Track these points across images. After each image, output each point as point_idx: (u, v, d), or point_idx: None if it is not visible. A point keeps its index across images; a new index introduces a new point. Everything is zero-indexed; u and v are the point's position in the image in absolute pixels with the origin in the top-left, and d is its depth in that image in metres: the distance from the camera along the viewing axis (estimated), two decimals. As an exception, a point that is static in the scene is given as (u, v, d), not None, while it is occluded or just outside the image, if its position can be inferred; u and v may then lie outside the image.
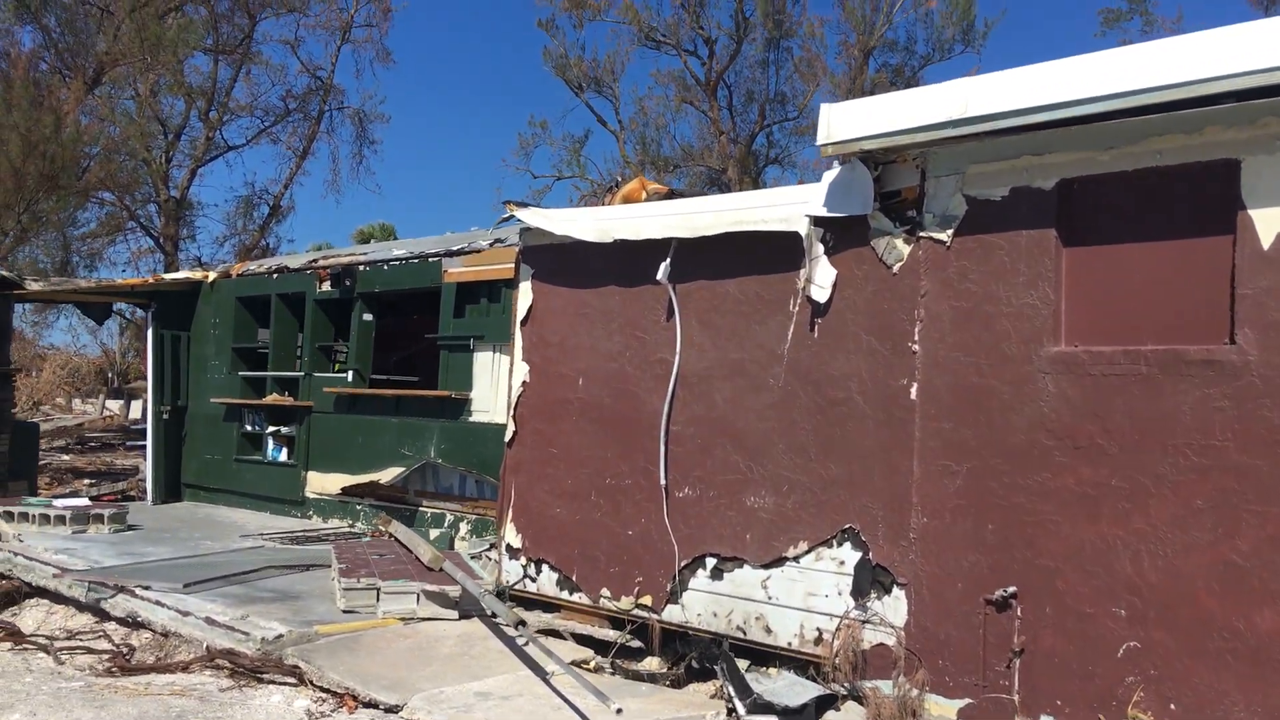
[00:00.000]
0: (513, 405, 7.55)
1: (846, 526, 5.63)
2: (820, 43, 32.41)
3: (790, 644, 5.83)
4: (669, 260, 6.48)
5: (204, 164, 33.53)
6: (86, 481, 16.57)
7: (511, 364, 7.63)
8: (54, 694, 5.98)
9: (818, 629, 5.71)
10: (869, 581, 5.51)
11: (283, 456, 12.74)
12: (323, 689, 5.95)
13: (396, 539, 8.76)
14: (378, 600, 7.15)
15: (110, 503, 11.72)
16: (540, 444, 7.32)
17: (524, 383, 7.47)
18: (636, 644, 6.59)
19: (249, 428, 13.19)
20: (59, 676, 6.59)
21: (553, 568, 7.15)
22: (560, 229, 6.96)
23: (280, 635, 6.49)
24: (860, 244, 5.66)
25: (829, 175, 5.75)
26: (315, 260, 12.56)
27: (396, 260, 11.29)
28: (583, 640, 6.71)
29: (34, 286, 12.99)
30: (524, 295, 7.55)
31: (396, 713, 5.51)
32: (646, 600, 6.55)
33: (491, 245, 10.17)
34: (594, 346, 7.04)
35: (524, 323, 7.52)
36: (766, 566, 5.97)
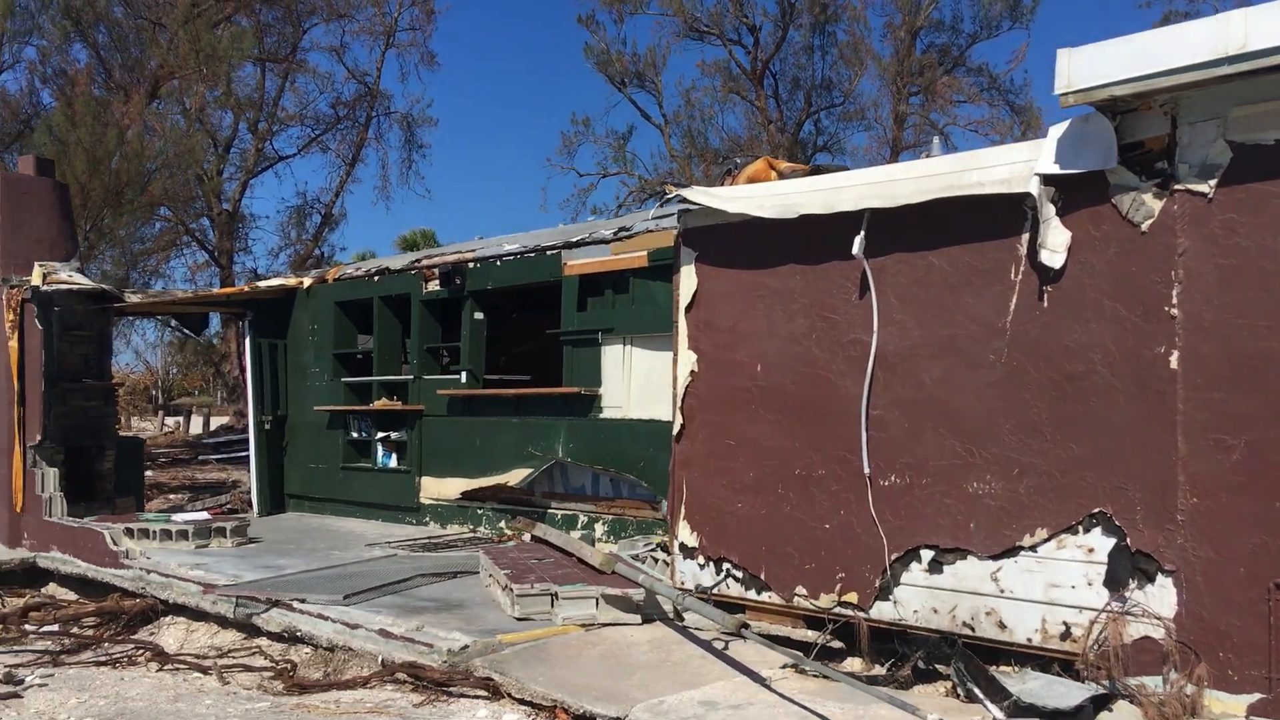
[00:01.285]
0: (679, 397, 7.15)
1: (1095, 511, 5.18)
2: (864, 25, 31.81)
3: (1030, 640, 5.39)
4: (863, 233, 6.05)
5: (255, 175, 33.64)
6: (174, 496, 16.40)
7: (675, 354, 7.24)
8: (244, 716, 5.66)
9: (1064, 623, 5.27)
10: (1127, 570, 5.05)
11: (393, 463, 12.45)
12: (524, 701, 5.59)
13: (547, 542, 8.39)
14: (552, 606, 6.78)
15: (229, 516, 11.46)
16: (714, 436, 6.92)
17: (692, 372, 7.07)
18: (837, 644, 6.18)
19: (355, 434, 12.91)
20: (236, 697, 6.28)
21: (735, 566, 6.74)
22: (735, 207, 6.55)
23: (466, 646, 6.14)
24: (1097, 202, 5.20)
25: (1056, 130, 5.30)
26: (419, 260, 12.24)
27: (510, 255, 10.94)
28: (776, 642, 6.29)
29: (133, 299, 12.78)
30: (687, 280, 7.15)
31: (617, 726, 5.12)
32: (851, 597, 6.13)
33: (616, 234, 9.78)
34: (773, 330, 6.62)
35: (689, 309, 7.12)
36: (996, 557, 5.53)
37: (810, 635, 6.23)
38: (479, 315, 11.46)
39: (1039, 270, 5.40)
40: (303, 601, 7.38)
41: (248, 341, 13.83)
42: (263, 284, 14.36)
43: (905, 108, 31.89)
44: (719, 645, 6.19)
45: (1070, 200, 5.27)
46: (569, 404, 10.12)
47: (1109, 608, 5.08)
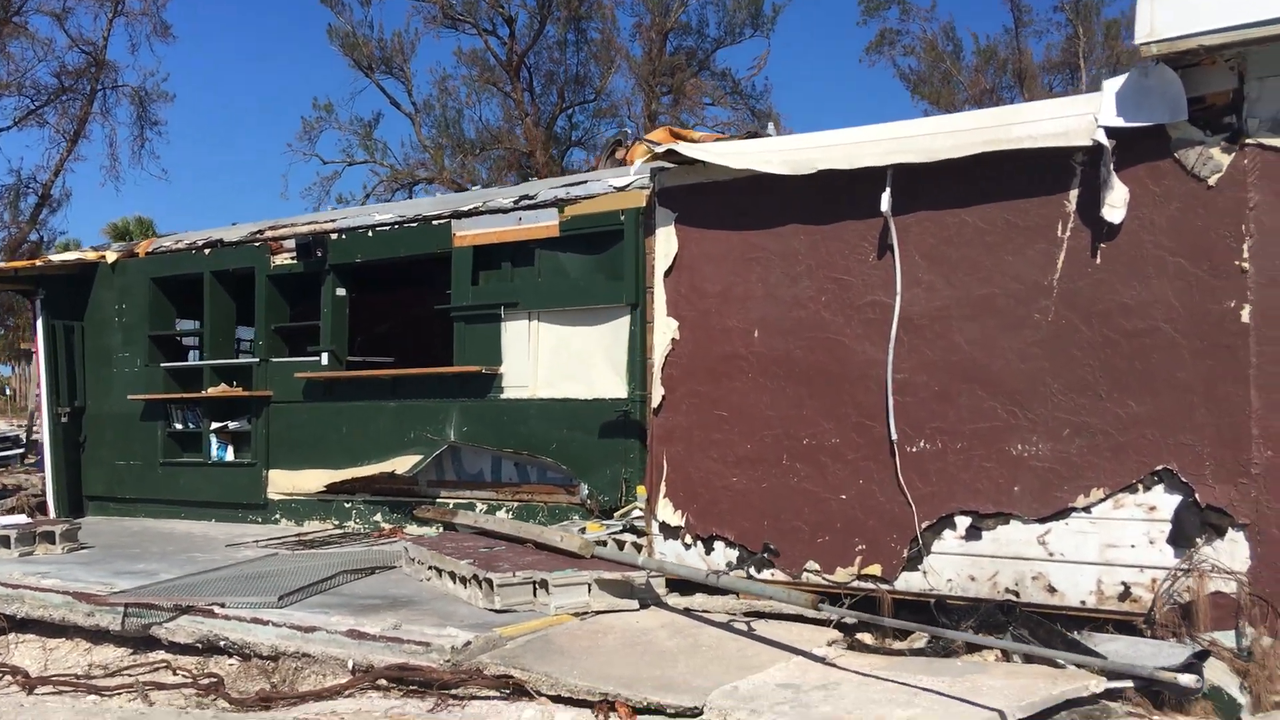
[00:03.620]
0: (658, 367, 6.68)
1: (1159, 468, 5.14)
2: (614, 25, 32.11)
3: (1084, 602, 5.30)
4: (889, 190, 5.81)
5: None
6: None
7: (649, 321, 6.76)
8: (235, 738, 4.76)
9: (1122, 583, 5.21)
10: (1196, 525, 5.04)
11: (229, 456, 11.24)
12: (564, 699, 4.98)
13: (487, 531, 7.69)
14: (535, 595, 6.15)
15: (56, 520, 9.96)
16: (702, 407, 6.50)
17: (673, 340, 6.62)
18: (849, 620, 5.90)
19: (179, 426, 11.56)
20: (187, 715, 5.31)
21: (730, 544, 6.35)
22: (740, 163, 6.16)
23: (468, 642, 5.44)
24: (1156, 157, 5.18)
25: (1112, 84, 5.24)
26: (262, 231, 11.07)
27: (386, 226, 10.05)
28: (788, 621, 5.96)
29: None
30: (665, 242, 6.69)
31: (695, 716, 4.62)
32: (873, 570, 5.87)
33: (517, 203, 9.15)
34: (772, 294, 6.28)
35: (668, 273, 6.67)
36: (1044, 520, 5.41)
37: (825, 613, 5.90)
38: (342, 291, 10.49)
39: (1092, 227, 5.32)
40: (223, 606, 6.38)
41: (39, 324, 12.15)
42: (56, 258, 12.62)
43: (657, 106, 32.28)
44: (740, 627, 5.78)
45: (1126, 155, 5.22)
46: (463, 384, 9.39)
47: (1173, 565, 5.04)
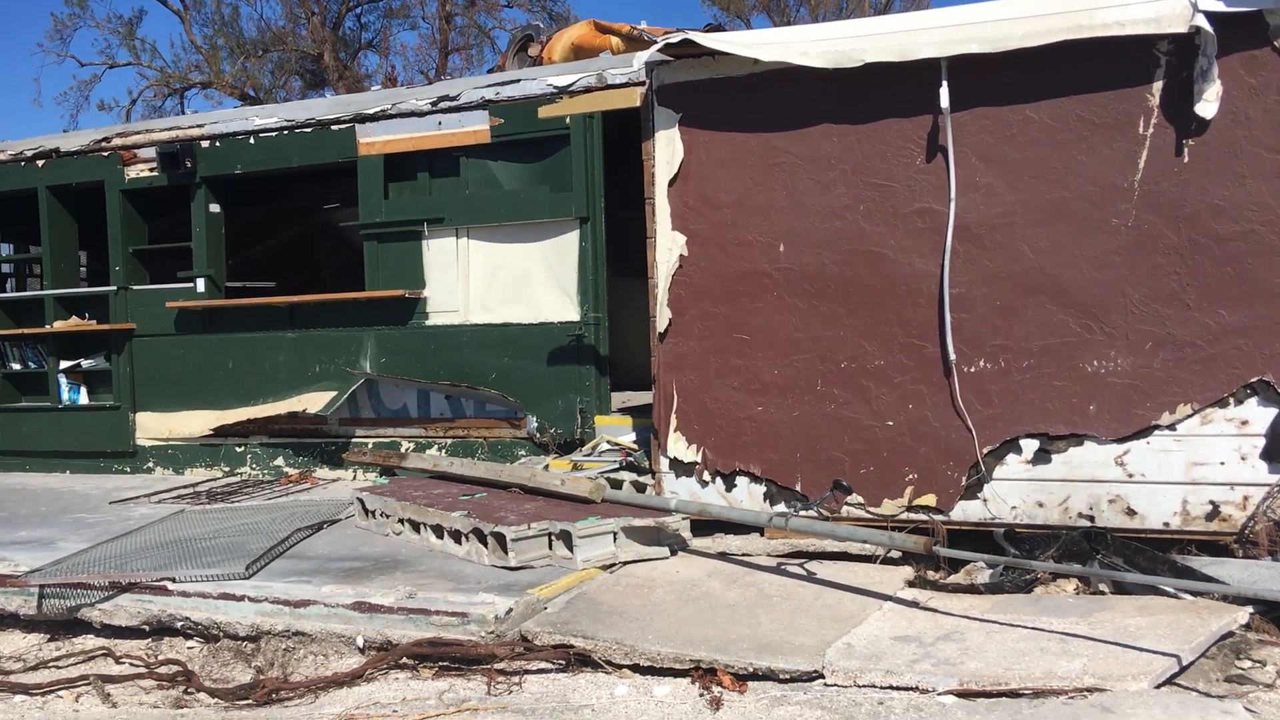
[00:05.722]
0: (663, 287, 5.98)
1: (1253, 380, 4.86)
2: None
3: (1167, 524, 5.02)
4: (946, 84, 5.25)
5: None
6: None
7: (652, 235, 6.03)
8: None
9: (1210, 502, 4.95)
10: (1294, 439, 4.80)
11: (82, 398, 9.83)
12: (642, 668, 4.34)
13: (448, 475, 6.83)
14: (551, 548, 5.44)
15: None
16: (718, 330, 5.86)
17: (681, 258, 5.93)
18: (896, 554, 5.47)
19: (16, 366, 10.04)
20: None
21: (756, 479, 5.79)
22: (771, 55, 5.45)
23: (510, 610, 4.70)
24: (1254, 46, 4.81)
25: (1206, -33, 4.82)
26: (109, 139, 9.58)
27: (271, 132, 8.81)
28: (841, 560, 5.48)
29: None
30: (666, 148, 5.95)
31: (813, 680, 4.08)
32: (926, 500, 5.44)
33: (436, 105, 8.14)
34: (799, 203, 5.67)
35: (672, 182, 5.94)
36: (1122, 440, 5.08)
37: (870, 548, 5.45)
38: (216, 208, 9.21)
39: (1177, 122, 4.93)
40: (174, 581, 5.37)
41: None
42: None
43: (452, 7, 30.80)
44: (797, 571, 5.26)
45: (1219, 44, 4.83)
46: (379, 311, 8.39)
47: (1268, 481, 4.81)
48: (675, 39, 5.61)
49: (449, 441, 8.22)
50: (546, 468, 7.05)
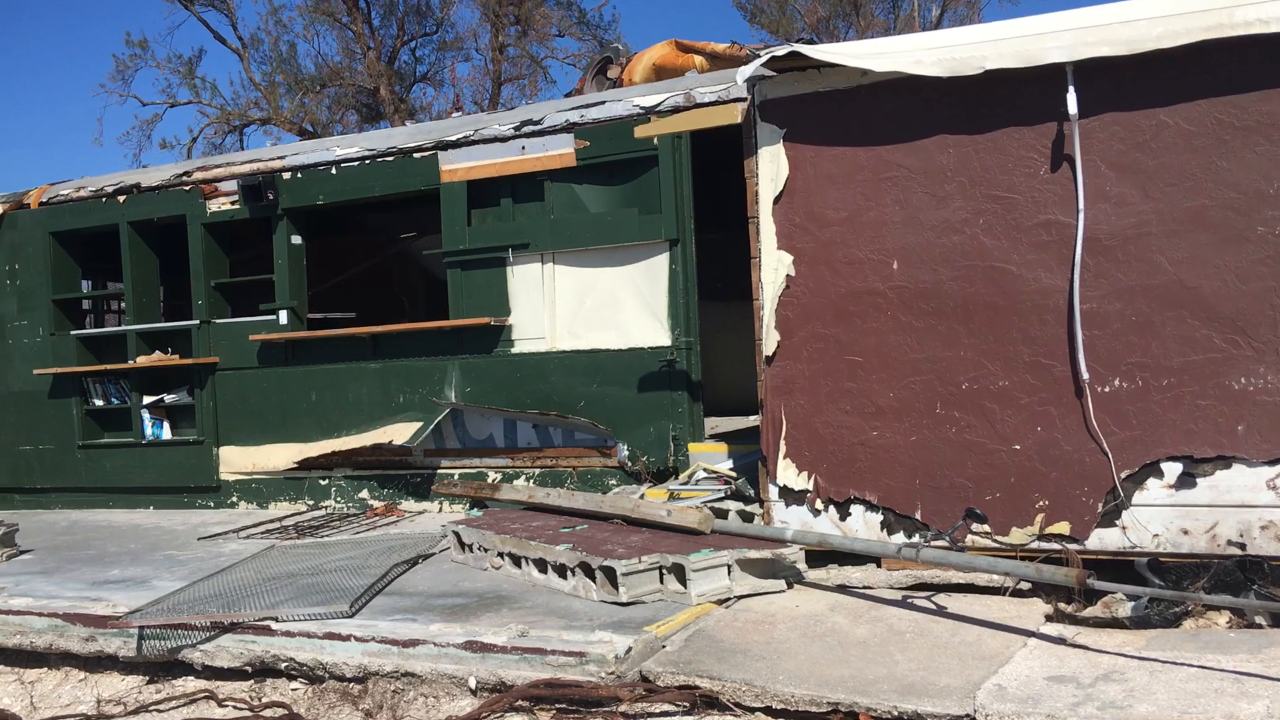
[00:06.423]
0: (770, 309, 5.76)
1: None
2: None
3: (1327, 551, 4.68)
4: (1073, 89, 4.99)
5: None
6: None
7: (756, 255, 5.82)
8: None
9: (1376, 527, 4.60)
10: None
11: (165, 434, 9.78)
12: (775, 711, 4.09)
13: (545, 507, 6.64)
14: (662, 582, 5.21)
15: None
16: (829, 353, 5.62)
17: (788, 278, 5.71)
18: (1025, 585, 5.17)
19: (99, 402, 10.03)
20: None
21: (873, 507, 5.52)
22: (883, 65, 5.23)
23: (629, 649, 4.47)
24: None
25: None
26: (190, 173, 9.58)
27: (353, 161, 8.74)
28: (969, 594, 5.19)
29: None
30: (770, 164, 5.74)
31: (967, 727, 3.80)
32: (1059, 528, 5.13)
33: (520, 128, 8.00)
34: (913, 218, 5.43)
35: (777, 200, 5.73)
36: (1274, 462, 4.75)
37: (995, 579, 5.15)
38: (297, 239, 9.15)
39: (1330, 124, 4.63)
40: (278, 621, 5.21)
41: (-88, 290, 10.37)
42: (-75, 213, 10.75)
43: (504, 38, 30.93)
44: (924, 604, 4.98)
45: (1374, 40, 4.53)
46: (464, 339, 8.26)
47: None
48: (781, 51, 5.41)
49: (536, 471, 8.05)
50: (641, 497, 6.84)
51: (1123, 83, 4.96)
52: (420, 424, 8.25)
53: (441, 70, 31.89)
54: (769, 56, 5.46)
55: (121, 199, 9.79)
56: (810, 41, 7.93)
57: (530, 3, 29.58)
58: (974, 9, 28.84)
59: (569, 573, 5.42)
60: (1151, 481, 4.97)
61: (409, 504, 8.51)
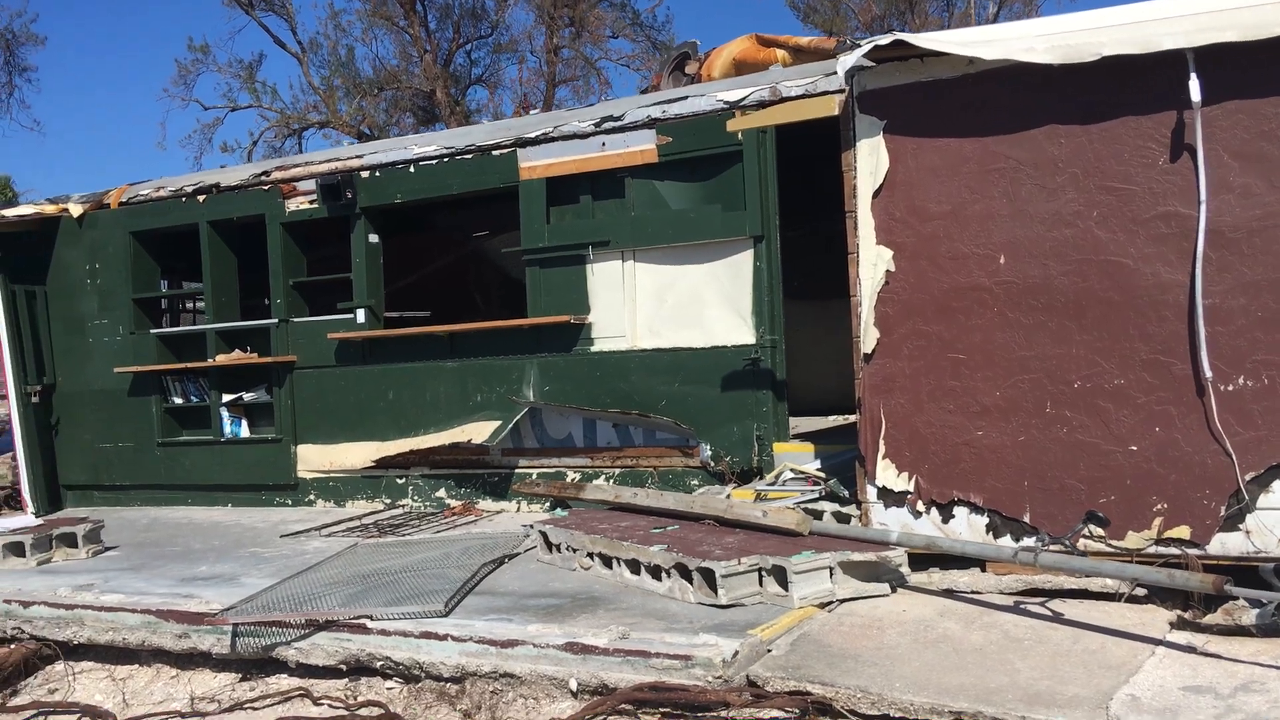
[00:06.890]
0: (868, 306, 5.61)
1: None
2: None
3: None
4: (1195, 76, 4.80)
5: None
6: None
7: (853, 250, 5.67)
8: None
9: None
10: None
11: (244, 431, 9.82)
12: (886, 719, 3.94)
13: (631, 507, 6.53)
14: (761, 584, 5.08)
15: (73, 519, 8.51)
16: (930, 350, 5.46)
17: (887, 273, 5.55)
18: (1140, 591, 4.97)
19: (179, 400, 10.09)
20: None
21: (978, 509, 5.35)
22: (993, 53, 5.06)
23: (736, 653, 4.35)
24: None
25: None
26: (269, 172, 9.60)
27: (431, 159, 8.70)
28: (1084, 599, 5.00)
29: None
30: (869, 157, 5.59)
31: (1102, 740, 3.63)
32: (1179, 532, 4.93)
33: (600, 125, 7.91)
34: (1021, 211, 5.25)
35: (876, 194, 5.57)
36: None
37: (1109, 585, 4.96)
38: (375, 238, 9.13)
39: None
40: (373, 619, 5.15)
41: (-1, 290, 10.48)
42: (9, 212, 10.88)
43: (558, 40, 30.90)
44: (1039, 610, 4.81)
45: None
46: (542, 337, 8.17)
47: None
48: (885, 40, 5.27)
49: (617, 471, 7.95)
50: (728, 497, 6.71)
51: (1248, 69, 4.75)
52: (499, 423, 8.19)
53: (496, 72, 31.99)
54: (871, 46, 5.31)
55: (201, 199, 9.84)
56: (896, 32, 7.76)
57: (584, 4, 29.60)
58: (1031, 6, 28.41)
59: (664, 574, 5.31)
60: (1278, 484, 4.76)
61: (486, 503, 8.45)
